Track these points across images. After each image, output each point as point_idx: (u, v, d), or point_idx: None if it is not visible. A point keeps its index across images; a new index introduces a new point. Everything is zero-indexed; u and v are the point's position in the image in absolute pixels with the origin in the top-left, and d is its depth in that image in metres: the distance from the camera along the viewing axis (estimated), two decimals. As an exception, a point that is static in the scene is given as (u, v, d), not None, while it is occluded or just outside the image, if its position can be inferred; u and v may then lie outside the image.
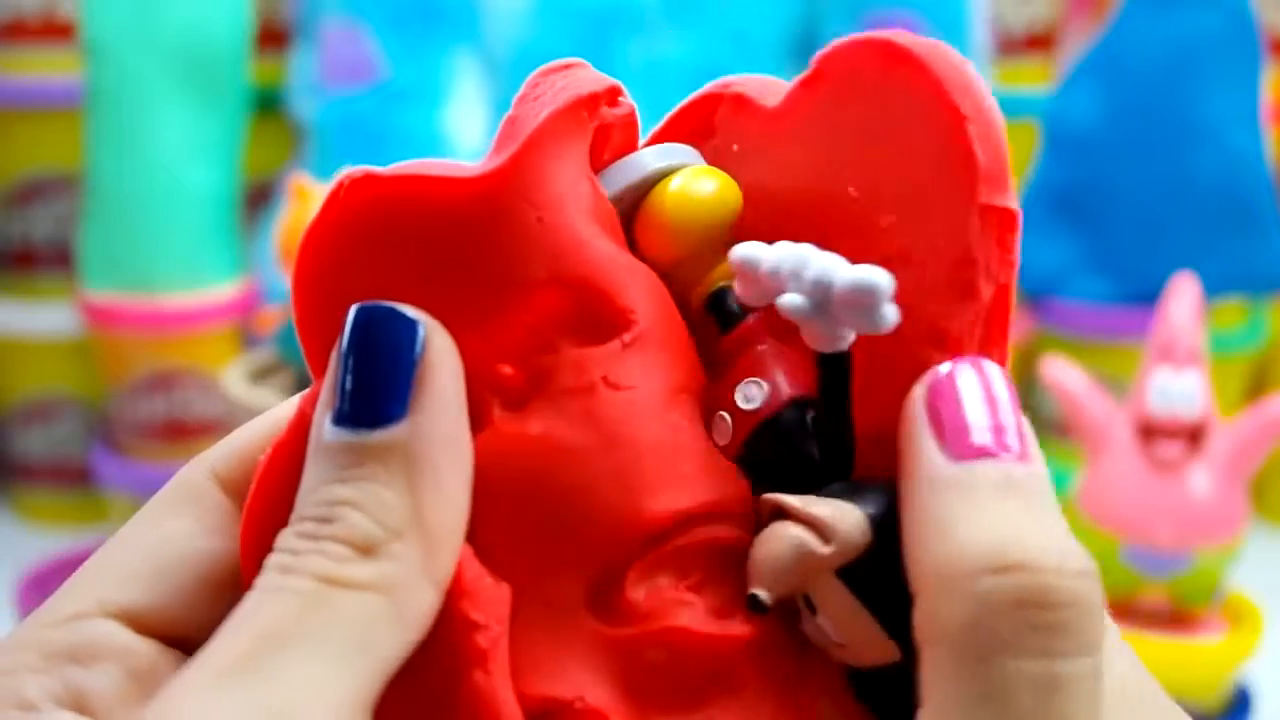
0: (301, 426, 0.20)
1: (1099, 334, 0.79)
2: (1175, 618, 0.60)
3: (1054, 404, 0.78)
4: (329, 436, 0.19)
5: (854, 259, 0.19)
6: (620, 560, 0.19)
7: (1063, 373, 0.63)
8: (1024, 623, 0.17)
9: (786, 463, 0.20)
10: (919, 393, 0.19)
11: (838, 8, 0.80)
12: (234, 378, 0.61)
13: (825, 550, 0.19)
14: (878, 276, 0.19)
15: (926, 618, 0.18)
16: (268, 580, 0.18)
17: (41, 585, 0.60)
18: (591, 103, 0.21)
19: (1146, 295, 0.74)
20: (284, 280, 0.62)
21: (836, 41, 0.23)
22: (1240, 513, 0.59)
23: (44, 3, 0.80)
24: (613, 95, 0.22)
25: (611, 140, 0.22)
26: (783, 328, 0.21)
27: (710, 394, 0.21)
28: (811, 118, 0.22)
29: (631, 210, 0.22)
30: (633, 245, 0.22)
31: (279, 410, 0.22)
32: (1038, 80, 0.86)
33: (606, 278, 0.20)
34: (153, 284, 0.73)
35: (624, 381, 0.20)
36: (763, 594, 0.19)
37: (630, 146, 0.22)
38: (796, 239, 0.20)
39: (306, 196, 0.59)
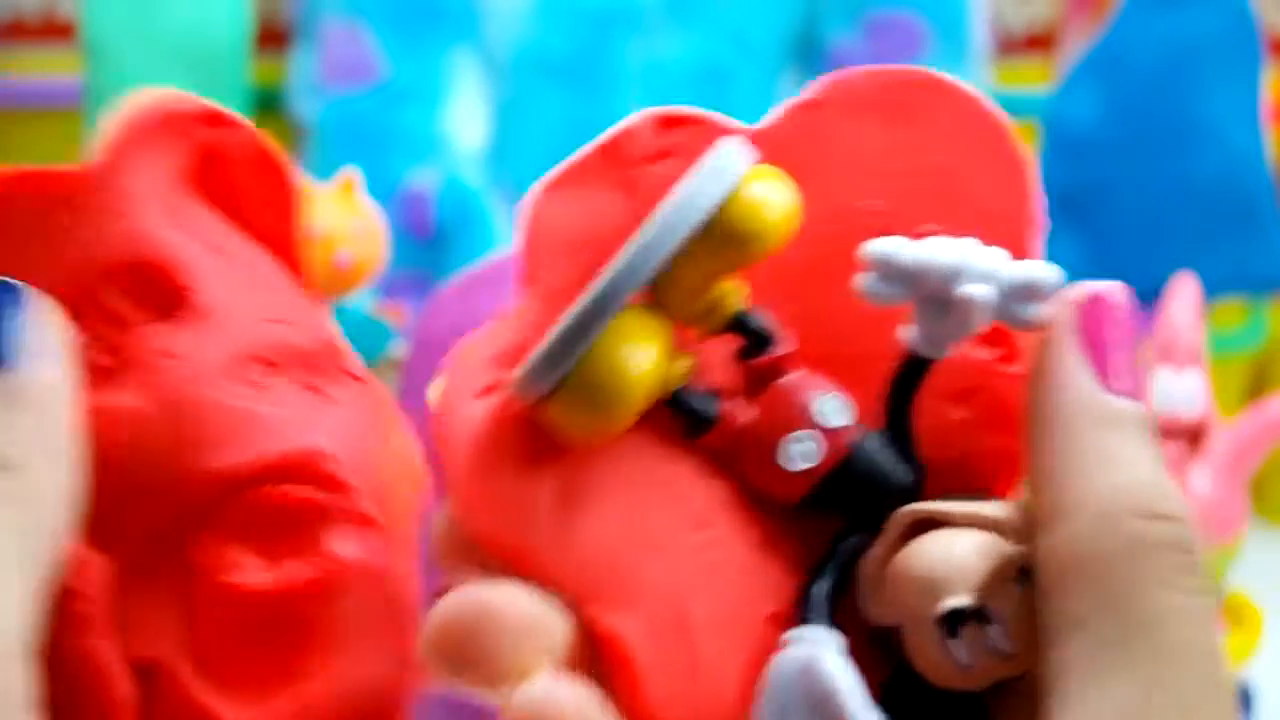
0: None
1: (1099, 334, 0.79)
2: (1175, 618, 0.60)
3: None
4: None
5: None
6: (191, 519, 0.21)
7: (1063, 373, 0.62)
8: (1172, 563, 0.19)
9: (877, 484, 0.20)
10: (1067, 316, 0.20)
11: (838, 8, 0.80)
12: (234, 378, 0.61)
13: (1015, 550, 0.19)
14: (1046, 271, 0.20)
15: (1071, 543, 0.19)
16: None
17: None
18: (174, 121, 0.25)
19: (1146, 295, 0.73)
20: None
21: (852, 71, 0.23)
22: (1240, 513, 0.59)
23: (44, 3, 0.80)
24: (212, 118, 0.25)
25: (235, 163, 0.25)
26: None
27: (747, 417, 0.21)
28: (832, 141, 0.22)
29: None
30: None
31: None
32: (1038, 80, 0.86)
33: (169, 259, 0.23)
34: (153, 284, 0.73)
35: (182, 351, 0.22)
36: (965, 601, 0.19)
37: (266, 176, 0.24)
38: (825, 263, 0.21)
39: (306, 196, 0.59)
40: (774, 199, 0.20)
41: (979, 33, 0.80)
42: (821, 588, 0.20)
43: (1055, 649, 0.19)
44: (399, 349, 0.61)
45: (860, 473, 0.20)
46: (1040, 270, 0.20)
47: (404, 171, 0.76)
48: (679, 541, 0.20)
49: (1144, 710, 0.18)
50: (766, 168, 0.21)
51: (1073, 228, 0.81)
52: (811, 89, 0.23)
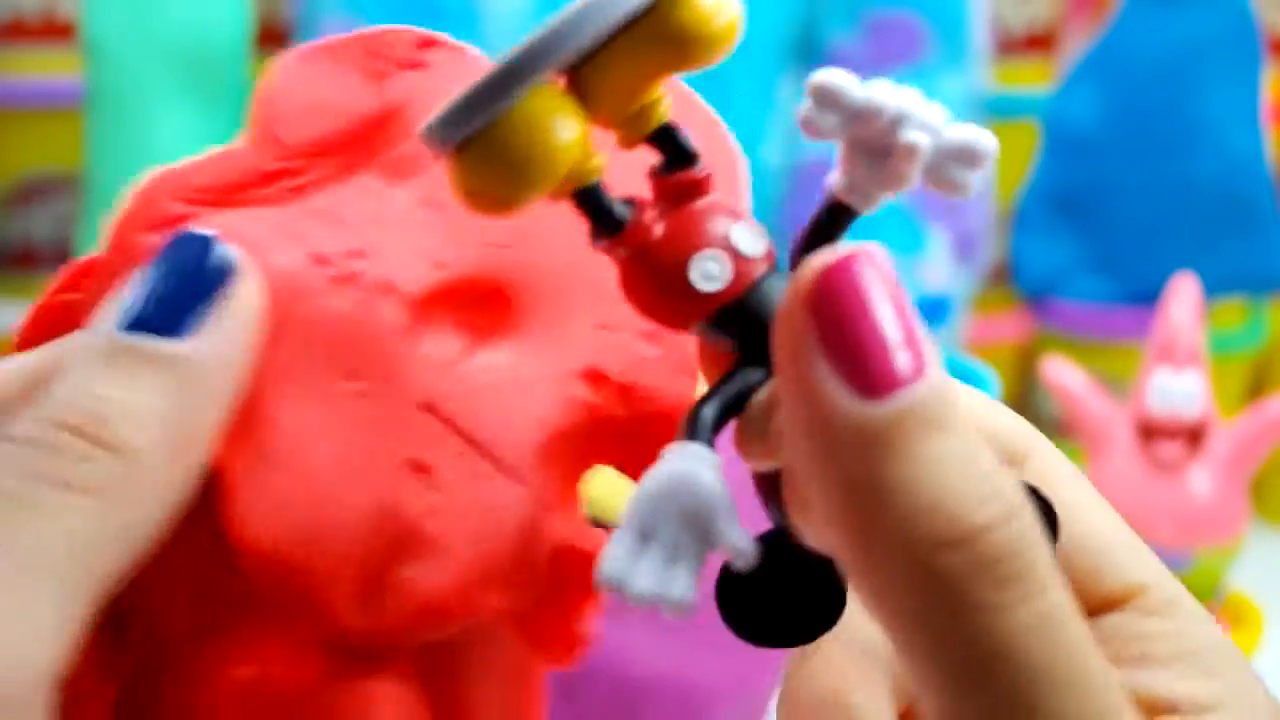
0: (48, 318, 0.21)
1: (1099, 334, 0.79)
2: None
3: (1054, 404, 0.78)
4: (113, 334, 0.18)
5: None
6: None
7: (1063, 373, 0.63)
8: (989, 584, 0.16)
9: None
10: (800, 305, 0.16)
11: (837, 8, 0.80)
12: (234, 378, 0.61)
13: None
14: (987, 139, 0.19)
15: (881, 593, 0.17)
16: None
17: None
18: None
19: (1146, 295, 0.74)
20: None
21: None
22: (1240, 513, 0.59)
23: (44, 3, 0.80)
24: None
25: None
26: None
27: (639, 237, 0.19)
28: None
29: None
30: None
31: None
32: (1038, 80, 0.86)
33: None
34: (153, 284, 0.73)
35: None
36: None
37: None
38: None
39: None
40: (723, 6, 0.19)
41: (979, 33, 0.80)
42: (709, 410, 0.19)
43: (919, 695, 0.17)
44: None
45: (763, 307, 0.19)
46: (979, 135, 0.19)
47: (404, 171, 0.76)
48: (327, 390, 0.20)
49: None
50: None
51: (1073, 228, 0.81)
52: None
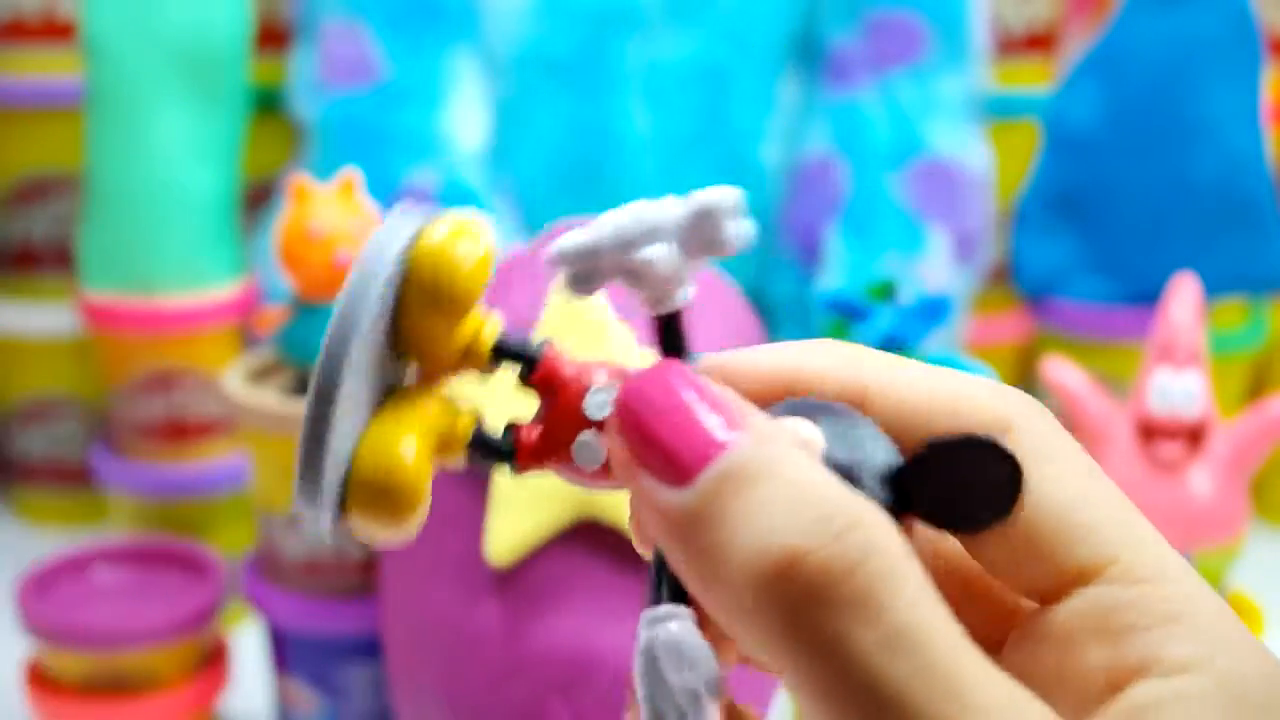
0: None
1: (1099, 334, 0.79)
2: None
3: (1054, 404, 0.78)
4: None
5: None
6: None
7: (1063, 373, 0.63)
8: (830, 611, 0.17)
9: None
10: (614, 433, 0.19)
11: (838, 8, 0.80)
12: (234, 378, 0.61)
13: None
14: (718, 194, 0.20)
15: (755, 646, 0.18)
16: None
17: (41, 585, 0.60)
18: None
19: (1146, 295, 0.74)
20: (283, 280, 0.62)
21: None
22: (1240, 513, 0.59)
23: (44, 3, 0.80)
24: None
25: None
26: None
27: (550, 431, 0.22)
28: None
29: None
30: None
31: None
32: (1038, 80, 0.86)
33: None
34: (153, 284, 0.73)
35: None
36: None
37: None
38: None
39: (306, 196, 0.59)
40: (454, 246, 0.21)
41: (979, 33, 0.80)
42: (659, 569, 0.20)
43: None
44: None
45: None
46: (712, 195, 0.20)
47: (404, 171, 0.76)
48: None
49: None
50: (450, 220, 0.21)
51: (1073, 228, 0.81)
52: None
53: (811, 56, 0.82)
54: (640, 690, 0.19)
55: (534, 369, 0.22)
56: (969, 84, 0.80)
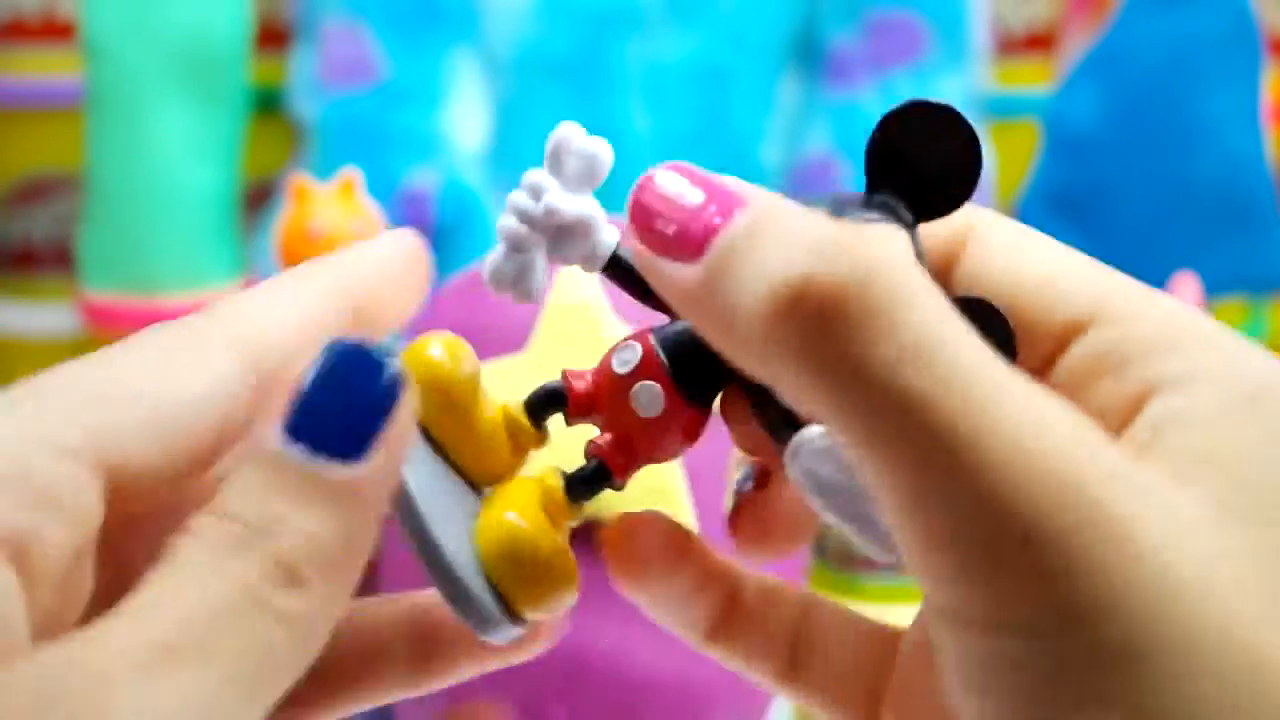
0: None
1: (1099, 334, 0.79)
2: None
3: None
4: (286, 450, 0.18)
5: None
6: None
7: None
8: (842, 332, 0.17)
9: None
10: (633, 241, 0.20)
11: (838, 8, 0.80)
12: (234, 378, 0.61)
13: None
14: (596, 144, 0.22)
15: (788, 391, 0.18)
16: (197, 553, 0.17)
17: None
18: None
19: (1146, 295, 0.73)
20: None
21: None
22: (1240, 513, 0.59)
23: (44, 3, 0.80)
24: None
25: None
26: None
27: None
28: None
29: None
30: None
31: (311, 293, 0.22)
32: (1038, 80, 0.86)
33: None
34: (153, 284, 0.73)
35: None
36: None
37: None
38: None
39: (306, 196, 0.59)
40: (423, 357, 0.22)
41: (979, 33, 0.80)
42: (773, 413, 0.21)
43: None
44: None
45: (684, 346, 0.22)
46: (592, 144, 0.22)
47: (404, 171, 0.76)
48: None
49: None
50: (426, 339, 0.23)
51: (1073, 228, 0.81)
52: None
53: (811, 56, 0.82)
54: (821, 504, 0.20)
55: (568, 400, 0.23)
56: (969, 84, 0.80)
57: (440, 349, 0.22)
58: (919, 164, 0.20)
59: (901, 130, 0.20)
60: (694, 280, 0.19)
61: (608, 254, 0.22)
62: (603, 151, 0.22)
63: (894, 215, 0.21)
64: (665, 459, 0.23)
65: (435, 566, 0.21)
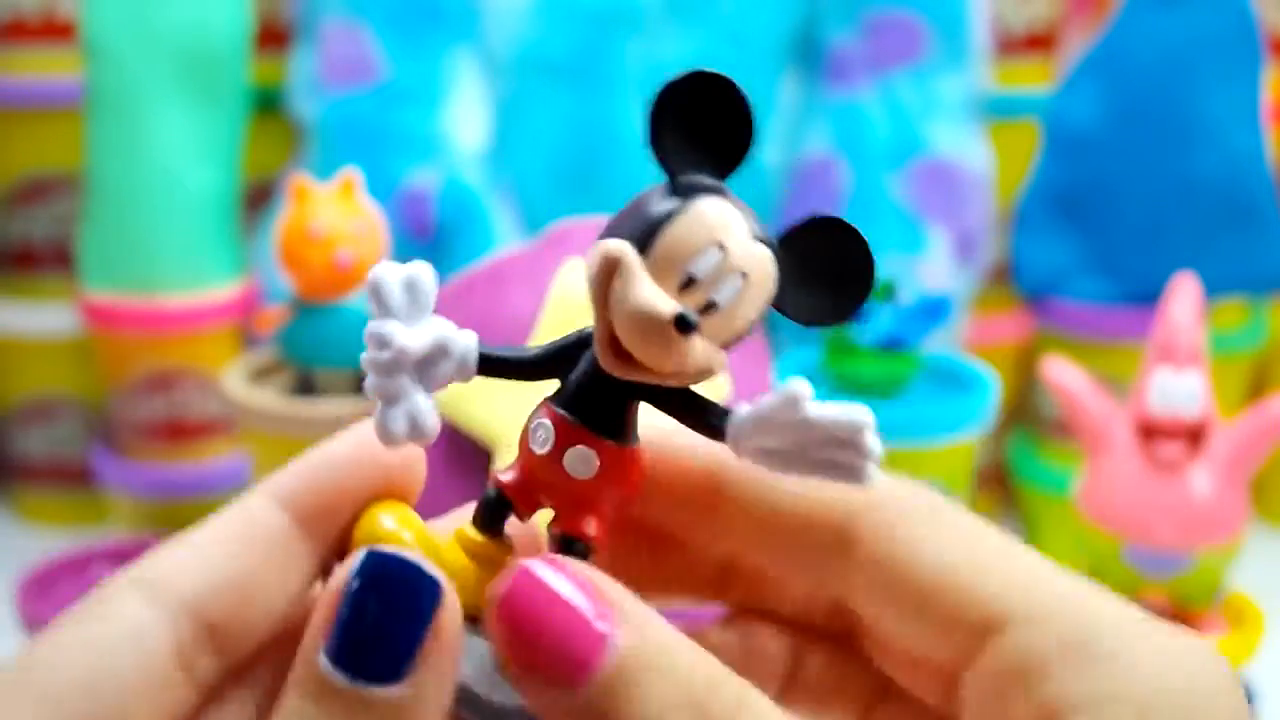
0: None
1: (1099, 334, 0.79)
2: (1176, 618, 0.60)
3: (1054, 404, 0.78)
4: (327, 672, 0.18)
5: None
6: None
7: (1063, 373, 0.62)
8: None
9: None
10: (494, 635, 0.19)
11: (838, 8, 0.80)
12: (234, 378, 0.61)
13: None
14: (417, 269, 0.21)
15: None
16: None
17: (42, 585, 0.60)
18: None
19: (1146, 295, 0.73)
20: (283, 280, 0.62)
21: None
22: (1240, 513, 0.59)
23: (44, 3, 0.80)
24: None
25: None
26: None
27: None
28: None
29: None
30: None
31: (347, 439, 0.23)
32: (1038, 80, 0.86)
33: None
34: (153, 284, 0.73)
35: None
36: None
37: None
38: None
39: (306, 196, 0.59)
40: (378, 531, 0.22)
41: (979, 33, 0.80)
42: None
43: None
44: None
45: (582, 394, 0.22)
46: (406, 270, 0.21)
47: (404, 171, 0.76)
48: None
49: None
50: (374, 512, 0.23)
51: (1073, 228, 0.81)
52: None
53: (811, 56, 0.82)
54: (784, 469, 0.21)
55: (510, 499, 0.23)
56: (969, 84, 0.80)
57: (392, 520, 0.22)
58: (697, 129, 0.20)
59: (676, 99, 0.20)
60: (575, 711, 0.19)
61: (475, 360, 0.22)
62: (421, 272, 0.22)
63: (710, 190, 0.20)
64: (630, 504, 0.23)
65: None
